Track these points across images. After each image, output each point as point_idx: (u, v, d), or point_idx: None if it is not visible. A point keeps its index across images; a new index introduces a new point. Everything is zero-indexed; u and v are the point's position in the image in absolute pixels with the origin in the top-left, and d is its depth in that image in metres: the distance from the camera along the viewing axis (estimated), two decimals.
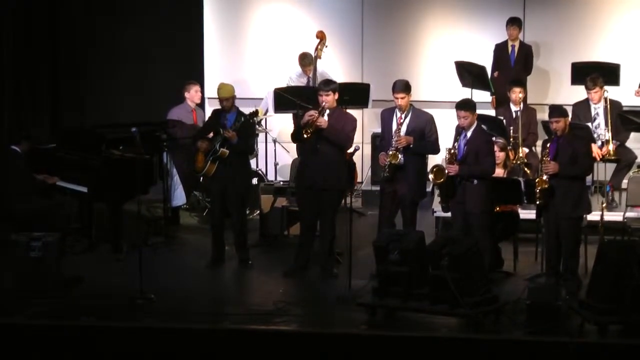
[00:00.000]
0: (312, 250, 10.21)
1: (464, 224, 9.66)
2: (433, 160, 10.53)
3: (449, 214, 10.00)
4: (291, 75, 12.90)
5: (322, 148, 9.88)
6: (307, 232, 10.16)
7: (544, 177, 9.42)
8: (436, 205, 11.16)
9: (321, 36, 12.69)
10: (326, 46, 12.68)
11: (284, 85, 12.70)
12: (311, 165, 9.96)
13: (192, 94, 12.30)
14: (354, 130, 10.12)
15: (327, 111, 9.86)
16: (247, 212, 11.08)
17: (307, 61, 12.81)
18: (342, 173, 10.00)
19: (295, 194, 10.60)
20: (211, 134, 10.39)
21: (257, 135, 12.20)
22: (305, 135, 9.79)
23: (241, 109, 10.55)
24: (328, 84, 10.06)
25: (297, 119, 10.08)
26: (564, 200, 9.44)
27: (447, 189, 9.72)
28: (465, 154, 9.67)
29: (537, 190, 9.44)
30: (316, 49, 12.64)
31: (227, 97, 10.31)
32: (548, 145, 9.54)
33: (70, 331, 8.67)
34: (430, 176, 9.75)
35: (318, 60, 12.63)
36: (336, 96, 9.97)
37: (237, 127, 10.15)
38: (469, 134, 9.72)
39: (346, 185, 10.10)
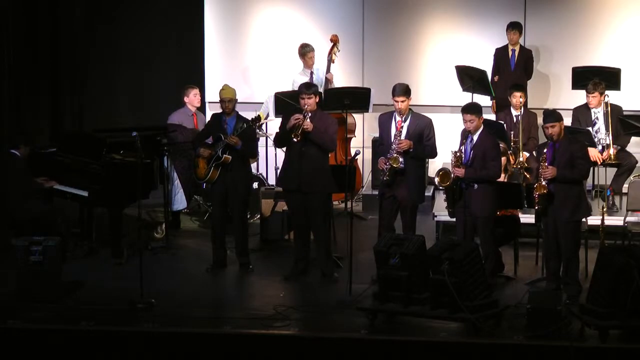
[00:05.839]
0: (310, 253, 10.21)
1: (468, 228, 9.66)
2: (434, 163, 10.51)
3: (449, 219, 10.01)
4: (295, 77, 12.88)
5: (307, 151, 9.88)
6: (300, 234, 10.17)
7: (543, 183, 9.41)
8: (436, 209, 11.17)
9: (335, 40, 12.74)
10: (339, 50, 12.72)
11: (288, 88, 12.70)
12: (297, 168, 9.95)
13: (191, 98, 12.27)
14: (337, 132, 10.15)
15: (309, 114, 9.88)
16: (248, 216, 11.07)
17: (307, 49, 12.81)
18: (328, 176, 10.01)
19: (284, 197, 10.58)
20: (210, 139, 10.38)
21: (258, 139, 12.20)
22: (295, 139, 9.79)
23: (242, 113, 10.56)
24: (310, 87, 10.06)
25: (283, 123, 10.05)
26: (563, 205, 9.42)
27: (454, 193, 9.71)
28: (471, 158, 9.65)
29: (536, 196, 9.44)
30: (330, 52, 12.69)
31: (230, 98, 10.30)
32: (544, 150, 9.48)
33: (70, 336, 8.67)
34: (436, 179, 9.74)
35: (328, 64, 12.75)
36: (317, 99, 9.99)
37: (239, 133, 10.15)
38: (475, 137, 9.70)
39: (332, 188, 10.10)
